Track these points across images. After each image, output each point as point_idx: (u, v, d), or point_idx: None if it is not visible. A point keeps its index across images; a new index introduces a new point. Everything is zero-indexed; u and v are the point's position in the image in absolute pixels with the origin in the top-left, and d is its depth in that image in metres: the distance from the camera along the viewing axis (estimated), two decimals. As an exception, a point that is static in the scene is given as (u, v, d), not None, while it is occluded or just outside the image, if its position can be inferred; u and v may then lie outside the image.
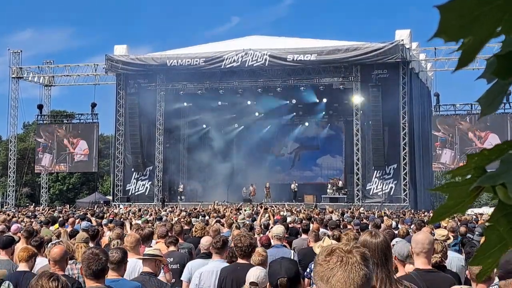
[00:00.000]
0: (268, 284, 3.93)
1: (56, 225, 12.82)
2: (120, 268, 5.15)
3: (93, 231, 9.24)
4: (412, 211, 28.96)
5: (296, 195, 36.25)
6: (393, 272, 3.38)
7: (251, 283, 4.35)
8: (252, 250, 5.83)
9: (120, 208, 29.63)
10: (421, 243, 4.48)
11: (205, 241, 7.41)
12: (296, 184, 36.89)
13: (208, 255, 6.93)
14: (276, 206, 27.92)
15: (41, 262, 6.69)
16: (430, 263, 4.60)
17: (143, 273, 5.79)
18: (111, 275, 4.88)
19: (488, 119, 33.32)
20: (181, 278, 6.77)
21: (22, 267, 6.04)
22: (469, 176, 0.73)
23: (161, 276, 6.14)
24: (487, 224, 0.74)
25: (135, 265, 6.27)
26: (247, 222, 13.26)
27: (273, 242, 8.37)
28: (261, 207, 22.05)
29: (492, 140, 31.74)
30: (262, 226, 11.84)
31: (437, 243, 5.86)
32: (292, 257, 7.57)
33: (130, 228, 11.55)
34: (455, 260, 6.96)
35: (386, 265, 3.26)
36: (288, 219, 14.94)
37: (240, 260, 5.85)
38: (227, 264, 6.41)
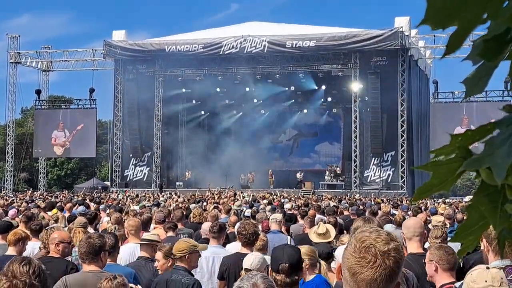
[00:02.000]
0: (270, 269, 3.97)
1: (55, 210, 12.87)
2: (113, 253, 5.17)
3: (90, 214, 9.28)
4: (410, 198, 29.05)
5: (301, 183, 36.03)
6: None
7: (245, 270, 4.40)
8: (256, 239, 5.81)
9: (118, 194, 29.64)
10: (412, 228, 4.55)
11: (206, 226, 7.42)
12: (302, 174, 36.75)
13: (209, 240, 6.95)
14: (275, 193, 28.03)
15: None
16: (422, 247, 4.67)
17: (140, 257, 5.82)
18: (104, 260, 4.90)
19: (488, 109, 33.29)
20: None
21: (10, 251, 5.98)
22: (453, 155, 0.75)
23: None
24: (469, 203, 0.76)
25: (134, 250, 6.29)
26: (244, 209, 13.32)
27: (271, 227, 8.44)
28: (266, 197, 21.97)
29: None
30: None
31: (437, 228, 5.90)
32: (288, 243, 7.63)
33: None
34: (451, 246, 6.99)
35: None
36: (287, 205, 15.01)
37: (243, 249, 5.82)
38: (224, 250, 6.44)
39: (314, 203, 16.16)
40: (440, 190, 0.77)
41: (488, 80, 0.80)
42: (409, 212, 12.66)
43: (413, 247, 4.54)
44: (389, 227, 8.10)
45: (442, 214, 10.23)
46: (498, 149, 0.68)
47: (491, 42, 0.74)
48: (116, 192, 31.39)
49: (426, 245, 6.36)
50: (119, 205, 15.65)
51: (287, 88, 37.61)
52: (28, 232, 6.64)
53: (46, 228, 6.87)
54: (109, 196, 25.08)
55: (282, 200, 19.58)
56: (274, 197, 23.28)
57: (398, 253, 1.77)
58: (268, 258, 4.69)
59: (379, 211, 11.63)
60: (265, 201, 17.79)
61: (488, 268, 3.16)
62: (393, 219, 9.86)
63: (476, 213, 0.76)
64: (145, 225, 8.00)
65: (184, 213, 11.56)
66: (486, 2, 0.67)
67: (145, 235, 6.15)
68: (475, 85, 0.79)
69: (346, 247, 1.83)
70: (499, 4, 0.67)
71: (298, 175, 36.70)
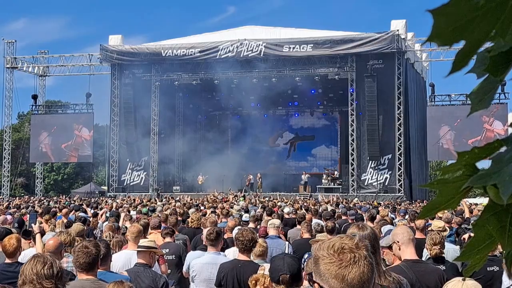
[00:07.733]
0: (269, 280, 3.96)
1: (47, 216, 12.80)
2: (106, 261, 5.14)
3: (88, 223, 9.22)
4: (407, 201, 29.06)
5: (307, 186, 35.86)
6: (381, 263, 3.43)
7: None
8: (253, 245, 5.74)
9: (116, 199, 29.57)
10: (401, 235, 4.56)
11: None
12: (307, 175, 36.50)
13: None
14: (271, 198, 27.95)
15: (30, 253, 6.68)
16: (415, 254, 4.67)
17: (138, 264, 5.79)
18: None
19: (484, 111, 33.25)
20: (183, 271, 6.79)
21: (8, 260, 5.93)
22: (459, 173, 0.74)
23: (156, 268, 6.15)
24: (475, 222, 0.74)
25: (131, 257, 6.26)
26: (243, 213, 13.28)
27: (269, 232, 8.41)
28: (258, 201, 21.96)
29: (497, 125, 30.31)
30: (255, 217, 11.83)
31: (435, 234, 5.89)
32: (286, 248, 7.61)
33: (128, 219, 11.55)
34: (450, 251, 6.97)
35: (374, 256, 3.31)
36: (285, 210, 14.96)
37: (240, 256, 5.76)
38: (223, 257, 6.39)
39: (312, 207, 16.12)
40: (446, 208, 0.75)
41: (493, 95, 0.79)
42: (406, 216, 12.64)
43: (407, 253, 4.53)
44: (387, 228, 8.12)
45: (440, 218, 10.20)
46: (505, 166, 0.66)
47: (498, 58, 0.73)
48: (114, 197, 31.28)
49: (424, 252, 6.35)
50: (117, 210, 15.60)
51: (283, 92, 37.57)
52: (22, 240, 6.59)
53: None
54: (106, 201, 25.00)
55: (280, 204, 19.54)
56: (274, 201, 23.22)
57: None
58: (267, 265, 4.67)
59: (377, 216, 11.60)
60: (260, 205, 17.75)
61: (464, 279, 3.19)
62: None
63: (483, 232, 0.74)
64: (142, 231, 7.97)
65: (180, 219, 11.55)
66: (496, 21, 0.65)
67: (142, 242, 6.12)
68: (480, 100, 0.78)
69: (318, 263, 1.82)
70: (509, 23, 0.65)
71: (304, 177, 36.30)
